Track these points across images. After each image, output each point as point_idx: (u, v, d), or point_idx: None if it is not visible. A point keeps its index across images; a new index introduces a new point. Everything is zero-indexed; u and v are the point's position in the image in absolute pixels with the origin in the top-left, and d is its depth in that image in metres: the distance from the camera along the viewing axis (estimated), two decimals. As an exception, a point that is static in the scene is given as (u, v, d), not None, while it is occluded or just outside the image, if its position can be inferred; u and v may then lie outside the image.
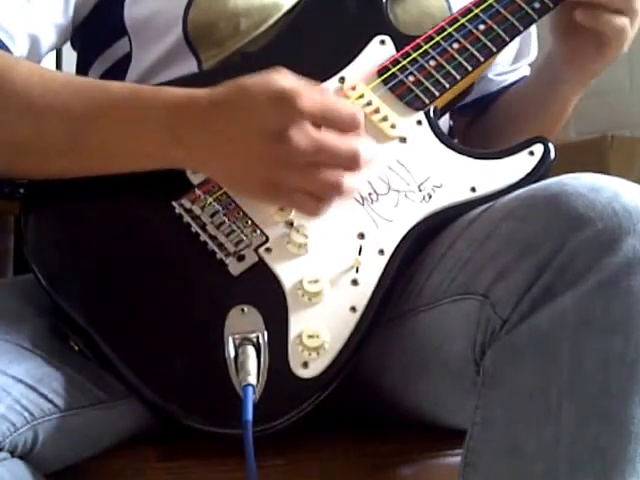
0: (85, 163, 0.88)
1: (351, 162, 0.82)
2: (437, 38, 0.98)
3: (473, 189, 0.89)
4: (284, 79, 0.80)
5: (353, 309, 0.83)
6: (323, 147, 0.80)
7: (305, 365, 0.81)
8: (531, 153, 0.91)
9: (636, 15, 0.98)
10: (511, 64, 1.21)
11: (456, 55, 0.97)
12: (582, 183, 0.77)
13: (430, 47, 0.97)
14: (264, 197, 0.85)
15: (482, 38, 0.98)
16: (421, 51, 0.97)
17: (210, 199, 0.87)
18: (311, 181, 0.81)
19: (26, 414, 0.78)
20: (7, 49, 0.94)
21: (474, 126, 1.24)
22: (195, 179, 0.88)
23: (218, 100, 0.83)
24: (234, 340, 0.80)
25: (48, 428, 0.79)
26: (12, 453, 0.77)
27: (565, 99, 1.13)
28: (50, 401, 0.80)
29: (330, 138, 0.81)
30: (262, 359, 0.80)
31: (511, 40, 0.99)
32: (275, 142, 0.80)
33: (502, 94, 1.21)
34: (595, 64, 1.04)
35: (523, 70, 1.23)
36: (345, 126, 0.82)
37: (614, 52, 1.01)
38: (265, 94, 0.80)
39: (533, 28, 1.05)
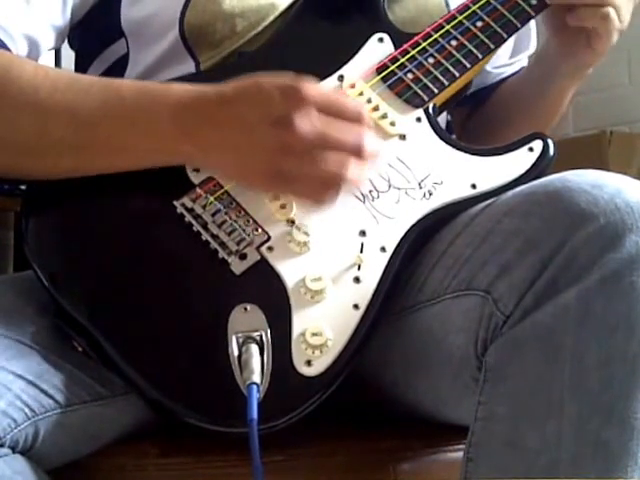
0: (93, 161, 0.87)
1: (355, 151, 0.82)
2: (435, 35, 0.98)
3: (473, 186, 0.89)
4: (294, 76, 0.81)
5: (356, 306, 0.83)
6: (326, 134, 0.80)
7: (308, 363, 0.81)
8: (530, 149, 0.92)
9: (617, 3, 0.98)
10: (509, 57, 1.21)
11: (454, 52, 0.97)
12: (585, 179, 0.77)
13: (428, 44, 0.97)
14: (267, 186, 0.85)
15: (480, 35, 0.99)
16: (419, 48, 0.97)
17: (211, 198, 0.87)
18: (313, 168, 0.81)
19: (27, 410, 0.78)
20: (9, 50, 0.93)
21: (472, 119, 1.24)
22: (196, 178, 0.88)
23: (227, 93, 0.83)
24: (237, 339, 0.80)
25: (49, 424, 0.80)
26: (13, 449, 0.77)
27: (560, 91, 1.13)
28: (50, 397, 0.80)
29: (334, 126, 0.81)
30: (266, 357, 0.80)
31: (509, 37, 1.00)
32: (279, 128, 0.80)
33: (500, 86, 1.21)
34: (588, 57, 1.04)
35: (522, 62, 1.23)
36: (350, 117, 0.82)
37: (604, 44, 1.01)
38: (273, 84, 0.81)
39: (532, 21, 1.05)
